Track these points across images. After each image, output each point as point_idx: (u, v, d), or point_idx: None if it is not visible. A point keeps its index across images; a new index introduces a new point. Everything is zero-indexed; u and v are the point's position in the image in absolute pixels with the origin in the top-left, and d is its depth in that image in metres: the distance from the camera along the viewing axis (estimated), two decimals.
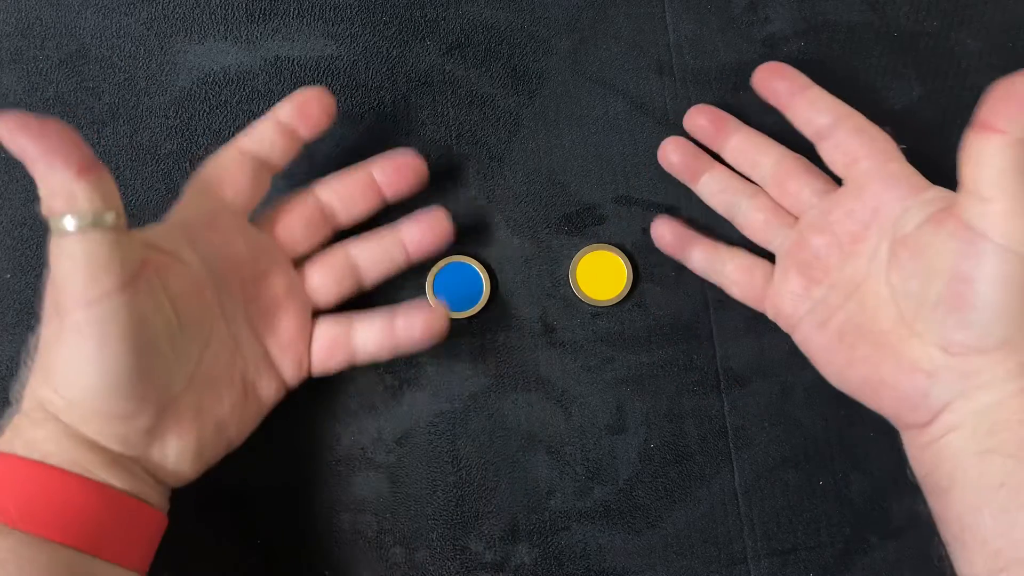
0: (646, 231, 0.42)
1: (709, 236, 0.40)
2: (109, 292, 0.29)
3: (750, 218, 0.39)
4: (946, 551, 0.35)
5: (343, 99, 0.42)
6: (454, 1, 0.43)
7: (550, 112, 0.42)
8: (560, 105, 0.42)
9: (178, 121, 0.41)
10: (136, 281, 0.30)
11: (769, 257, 0.40)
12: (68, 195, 0.28)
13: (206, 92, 0.41)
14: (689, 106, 0.42)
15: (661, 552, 0.40)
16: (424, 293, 0.41)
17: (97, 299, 0.29)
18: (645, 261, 0.42)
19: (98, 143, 0.41)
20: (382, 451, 0.40)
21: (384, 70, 0.42)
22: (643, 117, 0.42)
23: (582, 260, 0.41)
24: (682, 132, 0.42)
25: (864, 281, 0.36)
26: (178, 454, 0.33)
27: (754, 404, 0.41)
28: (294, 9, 0.42)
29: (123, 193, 0.41)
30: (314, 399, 0.39)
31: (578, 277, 0.41)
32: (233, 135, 0.41)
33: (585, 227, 0.42)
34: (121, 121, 0.41)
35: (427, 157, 0.42)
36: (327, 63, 0.42)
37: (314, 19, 0.42)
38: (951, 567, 0.34)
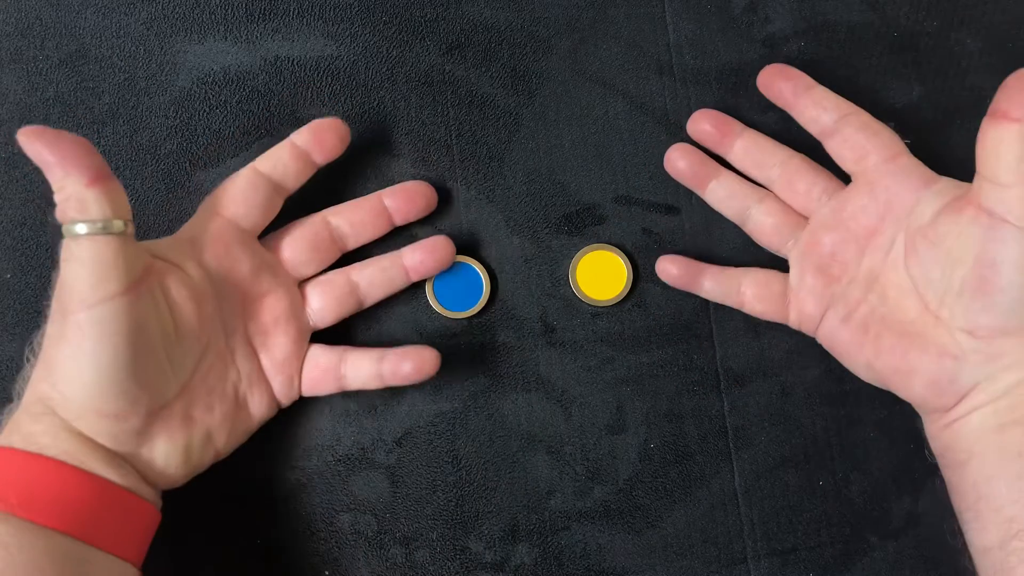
0: (646, 231, 0.42)
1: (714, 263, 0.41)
2: (112, 295, 0.30)
3: (760, 223, 0.39)
4: (959, 526, 0.36)
5: (343, 99, 0.42)
6: (454, 1, 0.43)
7: (550, 112, 0.42)
8: (560, 105, 0.42)
9: (178, 121, 0.41)
10: (139, 287, 0.31)
11: (777, 267, 0.40)
12: (80, 202, 0.30)
13: (206, 92, 0.41)
14: (689, 106, 0.42)
15: (661, 552, 0.40)
16: (424, 293, 0.41)
17: (100, 301, 0.30)
18: (645, 261, 0.42)
19: (98, 143, 0.41)
20: (382, 451, 0.40)
21: (384, 70, 0.42)
22: (643, 117, 0.42)
23: (582, 260, 0.41)
24: (682, 132, 0.42)
25: (883, 273, 0.36)
26: (166, 457, 0.34)
27: (754, 404, 0.41)
28: (294, 9, 0.42)
29: None
30: (314, 399, 0.39)
31: (578, 277, 0.41)
32: (233, 135, 0.41)
33: (585, 227, 0.42)
34: (121, 121, 0.41)
35: (427, 157, 0.42)
36: (327, 63, 0.42)
37: (314, 19, 0.42)
38: (963, 542, 0.35)
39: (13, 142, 0.41)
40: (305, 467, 0.40)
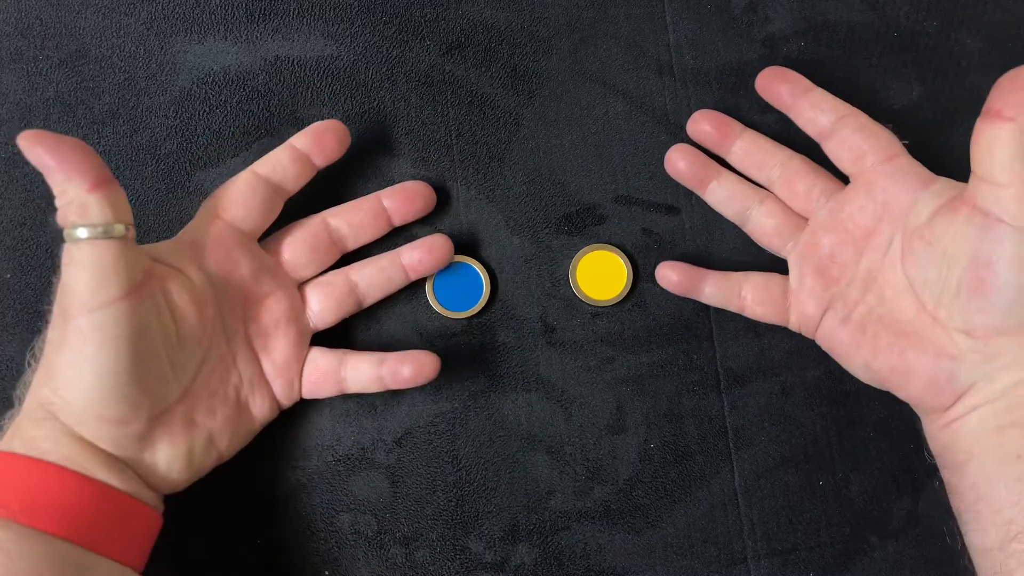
0: (646, 231, 0.42)
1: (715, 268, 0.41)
2: (113, 299, 0.30)
3: (761, 224, 0.39)
4: (959, 527, 0.36)
5: (343, 99, 0.42)
6: (454, 1, 0.42)
7: (550, 112, 0.42)
8: (560, 105, 0.42)
9: (178, 121, 0.41)
10: (140, 291, 0.31)
11: (777, 269, 0.40)
12: (81, 206, 0.30)
13: (206, 92, 0.41)
14: (689, 106, 0.42)
15: (661, 552, 0.40)
16: (424, 293, 0.41)
17: (101, 305, 0.30)
18: (645, 261, 0.42)
19: (98, 143, 0.41)
20: (382, 451, 0.40)
21: (384, 70, 0.42)
22: (643, 117, 0.42)
23: (582, 260, 0.41)
24: (682, 132, 0.42)
25: (880, 274, 0.36)
26: (168, 461, 0.34)
27: (754, 404, 0.41)
28: (294, 9, 0.42)
29: None
30: (314, 399, 0.39)
31: (578, 277, 0.41)
32: (233, 135, 0.41)
33: (585, 227, 0.42)
34: (121, 121, 0.41)
35: (427, 157, 0.42)
36: (327, 63, 0.42)
37: (314, 19, 0.42)
38: (963, 543, 0.35)
39: (13, 142, 0.41)
40: (305, 467, 0.40)
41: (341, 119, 0.39)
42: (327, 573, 0.39)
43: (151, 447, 0.33)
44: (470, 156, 0.42)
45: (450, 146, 0.42)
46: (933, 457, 0.37)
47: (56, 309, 0.32)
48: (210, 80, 0.41)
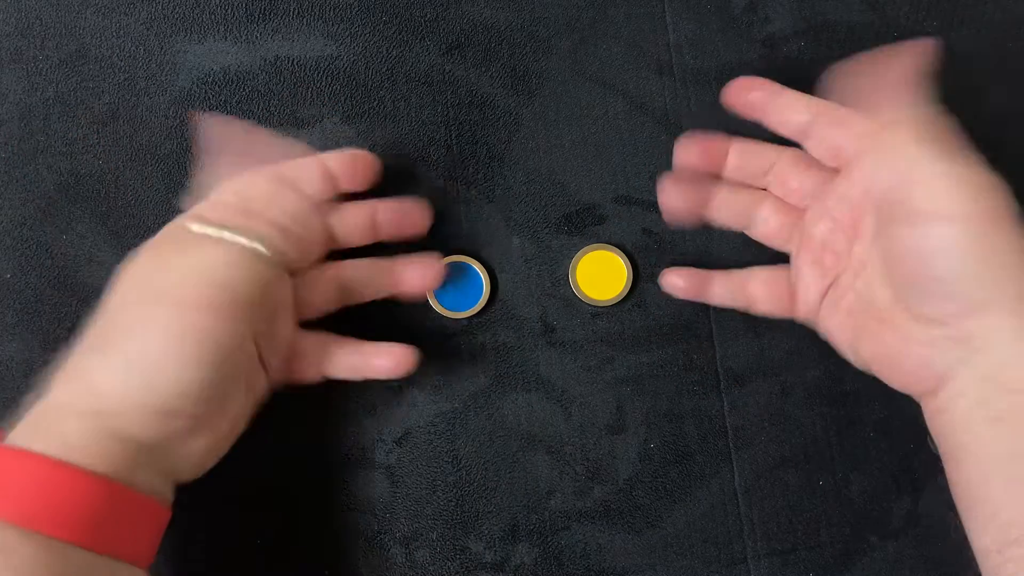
0: (646, 231, 0.42)
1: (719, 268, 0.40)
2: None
3: (764, 227, 0.39)
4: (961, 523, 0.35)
5: (343, 99, 0.42)
6: (454, 1, 0.42)
7: (550, 112, 0.42)
8: (560, 105, 0.42)
9: (178, 121, 0.41)
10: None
11: (780, 262, 0.40)
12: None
13: (206, 92, 0.41)
14: (689, 106, 0.42)
15: (661, 552, 0.40)
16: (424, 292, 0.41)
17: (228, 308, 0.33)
18: (645, 261, 0.42)
19: (98, 143, 0.41)
20: (382, 451, 0.40)
21: (384, 70, 0.42)
22: (643, 117, 0.42)
23: (582, 260, 0.41)
24: (682, 132, 0.41)
25: (868, 260, 0.36)
26: (200, 451, 0.34)
27: (754, 404, 0.41)
28: (294, 9, 0.42)
29: (123, 193, 0.41)
30: (314, 399, 0.39)
31: (578, 277, 0.41)
32: None
33: (585, 227, 0.42)
34: (121, 121, 0.41)
35: (427, 157, 0.42)
36: (327, 63, 0.42)
37: (314, 19, 0.42)
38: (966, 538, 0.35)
39: (13, 142, 0.41)
40: (305, 467, 0.40)
41: (341, 119, 0.39)
42: (327, 573, 0.39)
43: (191, 438, 0.33)
44: (470, 156, 0.42)
45: (450, 146, 0.42)
46: (936, 447, 0.37)
47: (150, 294, 0.33)
48: (210, 80, 0.41)
